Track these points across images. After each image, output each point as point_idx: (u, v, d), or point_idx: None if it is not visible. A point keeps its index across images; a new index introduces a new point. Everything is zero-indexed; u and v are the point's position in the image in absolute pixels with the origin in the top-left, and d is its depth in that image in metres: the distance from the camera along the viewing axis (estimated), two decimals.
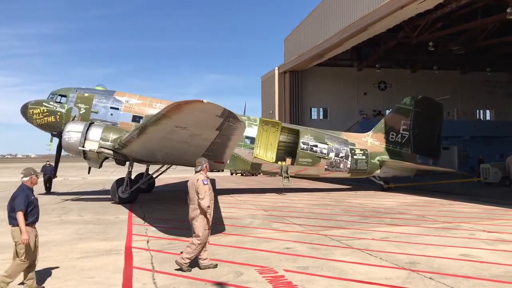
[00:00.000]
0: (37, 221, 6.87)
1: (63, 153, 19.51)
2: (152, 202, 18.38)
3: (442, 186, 24.09)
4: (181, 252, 7.99)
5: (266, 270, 7.71)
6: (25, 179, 6.87)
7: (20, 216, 6.48)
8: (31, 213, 6.69)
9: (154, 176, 21.83)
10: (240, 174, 39.17)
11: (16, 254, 6.57)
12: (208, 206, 7.78)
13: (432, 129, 23.30)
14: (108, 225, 12.79)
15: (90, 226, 12.70)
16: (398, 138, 23.05)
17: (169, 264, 8.16)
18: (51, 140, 19.83)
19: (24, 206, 6.55)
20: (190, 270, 7.67)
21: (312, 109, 40.20)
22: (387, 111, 41.21)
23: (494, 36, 31.12)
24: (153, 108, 20.00)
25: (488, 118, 43.98)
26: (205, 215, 7.81)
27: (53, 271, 7.80)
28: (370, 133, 23.59)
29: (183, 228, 11.96)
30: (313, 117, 39.78)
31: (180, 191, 23.81)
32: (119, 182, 18.43)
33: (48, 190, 23.00)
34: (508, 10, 23.12)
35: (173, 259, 8.52)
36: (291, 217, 13.94)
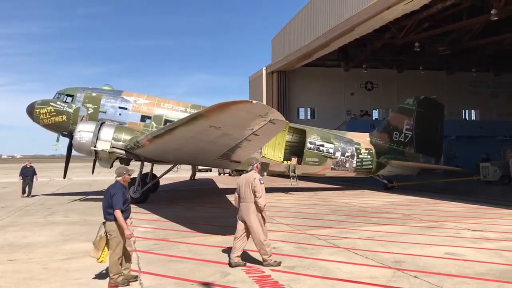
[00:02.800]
0: (129, 216, 7.33)
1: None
2: (139, 203, 18.24)
3: (443, 184, 24.61)
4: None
5: (253, 269, 7.73)
6: (119, 178, 7.34)
7: (119, 214, 6.96)
8: (126, 210, 7.14)
9: (158, 175, 21.58)
10: (228, 174, 39.15)
11: (107, 247, 7.05)
12: (265, 205, 8.05)
13: (434, 128, 23.65)
14: (94, 226, 12.59)
15: (75, 227, 12.60)
16: (402, 138, 23.36)
17: (156, 264, 8.14)
18: (58, 140, 19.75)
19: (122, 205, 7.02)
20: (280, 263, 7.94)
21: (300, 109, 40.32)
22: (374, 111, 41.59)
23: (479, 37, 31.47)
24: (161, 108, 20.05)
25: (473, 118, 44.49)
26: (261, 213, 8.03)
27: (37, 272, 7.73)
28: (374, 132, 24.01)
29: (170, 229, 11.96)
30: (300, 117, 39.88)
31: (166, 192, 23.72)
32: (131, 182, 18.35)
33: (27, 194, 21.07)
34: (492, 12, 23.40)
35: (160, 259, 8.51)
36: (278, 217, 13.97)
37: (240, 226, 8.14)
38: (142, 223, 13.15)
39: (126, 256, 7.14)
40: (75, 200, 19.76)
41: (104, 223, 7.16)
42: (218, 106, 10.38)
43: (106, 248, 7.08)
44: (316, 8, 30.86)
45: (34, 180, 21.70)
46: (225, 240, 10.34)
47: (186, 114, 19.76)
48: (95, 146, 17.51)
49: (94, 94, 19.74)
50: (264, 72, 39.88)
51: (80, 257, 8.81)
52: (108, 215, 7.06)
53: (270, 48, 41.94)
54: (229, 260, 8.10)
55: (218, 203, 17.95)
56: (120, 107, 19.71)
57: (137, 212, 15.34)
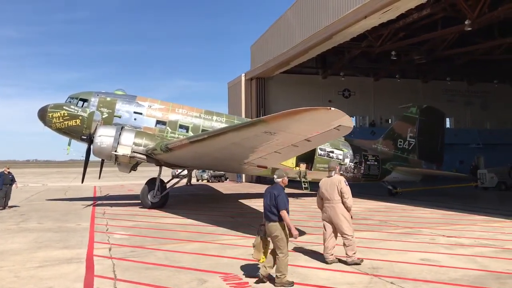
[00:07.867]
0: None
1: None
2: (115, 209, 18.02)
3: (442, 190, 25.54)
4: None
5: (231, 277, 7.68)
6: (278, 180, 7.59)
7: (285, 214, 7.14)
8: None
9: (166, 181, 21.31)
10: (206, 181, 39.00)
11: (270, 249, 7.34)
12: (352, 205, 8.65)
13: (436, 136, 24.45)
14: (69, 233, 12.47)
15: (50, 234, 12.35)
16: (406, 145, 24.05)
17: (132, 272, 8.03)
18: (69, 144, 19.41)
19: (288, 205, 7.20)
20: (363, 261, 8.48)
21: None
22: (351, 118, 42.02)
23: (454, 47, 32.18)
24: (175, 113, 19.98)
25: (448, 126, 45.31)
26: (349, 212, 8.58)
27: (9, 281, 7.54)
28: (380, 140, 24.51)
29: (146, 236, 11.82)
30: None
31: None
32: (150, 186, 18.36)
33: (5, 206, 18.49)
34: (466, 22, 23.97)
35: (136, 267, 8.40)
36: (257, 224, 13.91)
37: (328, 226, 8.72)
38: (118, 229, 12.96)
39: (274, 255, 7.26)
40: (50, 206, 19.38)
41: (262, 225, 7.38)
42: (289, 113, 9.68)
43: (266, 248, 7.26)
44: (295, 16, 31.08)
45: (14, 187, 19.28)
46: (203, 247, 10.29)
47: (201, 120, 20.01)
48: (115, 151, 17.39)
49: (108, 99, 19.52)
50: (243, 78, 39.92)
51: (55, 265, 8.63)
52: (272, 215, 7.19)
53: (249, 54, 42.05)
54: (325, 259, 8.64)
55: (196, 210, 17.80)
56: (135, 112, 19.56)
57: (114, 219, 15.14)
